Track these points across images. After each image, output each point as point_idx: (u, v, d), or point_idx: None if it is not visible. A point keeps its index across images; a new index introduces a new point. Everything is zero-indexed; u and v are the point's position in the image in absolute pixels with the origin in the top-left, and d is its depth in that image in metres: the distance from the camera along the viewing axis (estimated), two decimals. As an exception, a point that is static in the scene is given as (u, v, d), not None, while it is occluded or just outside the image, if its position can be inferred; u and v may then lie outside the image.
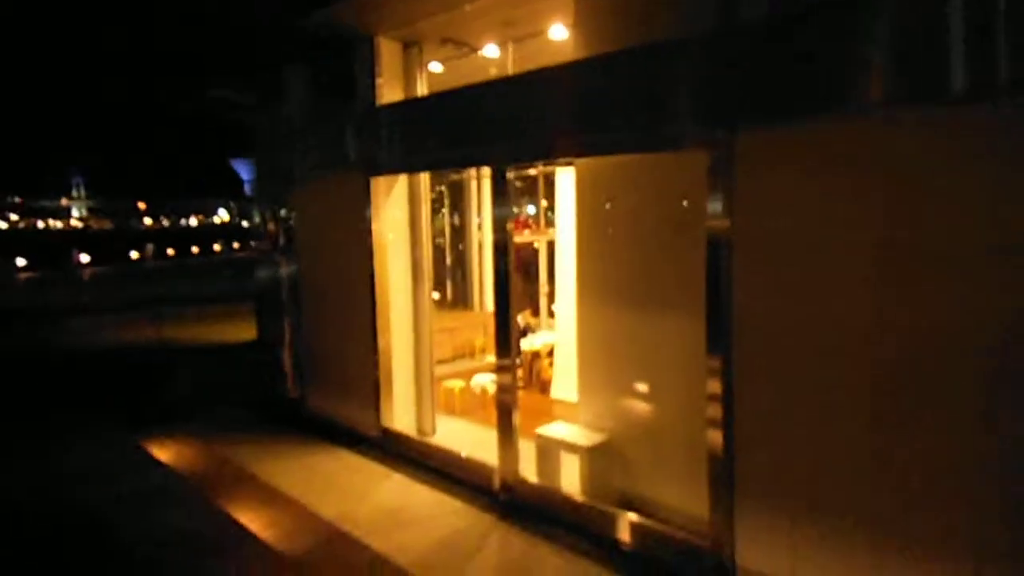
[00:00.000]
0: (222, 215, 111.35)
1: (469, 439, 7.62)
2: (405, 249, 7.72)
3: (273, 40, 7.84)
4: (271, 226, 9.82)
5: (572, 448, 5.78)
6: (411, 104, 7.14)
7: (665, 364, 5.38)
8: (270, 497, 6.24)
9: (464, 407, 8.70)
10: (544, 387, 9.73)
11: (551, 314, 10.89)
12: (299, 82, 8.35)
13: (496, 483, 6.16)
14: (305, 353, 8.99)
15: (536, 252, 12.02)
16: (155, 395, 10.56)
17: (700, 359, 5.02)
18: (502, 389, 6.16)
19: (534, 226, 13.06)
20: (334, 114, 7.80)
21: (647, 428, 5.54)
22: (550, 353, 10.13)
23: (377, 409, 7.61)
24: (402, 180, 7.60)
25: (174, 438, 8.22)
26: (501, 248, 5.99)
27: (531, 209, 13.98)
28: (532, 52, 7.25)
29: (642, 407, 5.58)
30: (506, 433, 6.12)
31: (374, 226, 7.41)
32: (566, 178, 9.34)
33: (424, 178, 7.63)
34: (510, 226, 5.92)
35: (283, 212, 9.41)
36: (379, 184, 7.40)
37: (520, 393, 9.03)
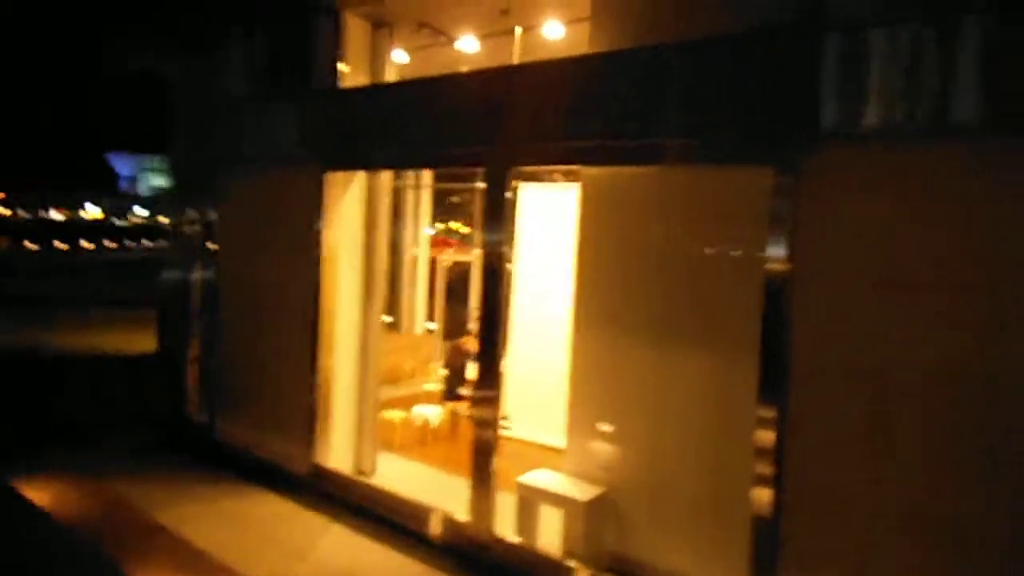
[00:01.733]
0: (92, 211, 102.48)
1: (416, 481, 6.63)
2: (357, 259, 6.68)
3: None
4: (186, 223, 8.45)
5: (564, 502, 4.95)
6: (388, 89, 6.18)
7: (682, 409, 4.69)
8: (187, 557, 4.95)
9: (403, 441, 7.68)
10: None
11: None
12: (241, 55, 7.16)
13: (465, 540, 5.23)
14: (219, 371, 7.66)
15: (467, 273, 11.25)
16: (31, 417, 8.77)
17: (730, 404, 4.41)
18: (482, 426, 5.25)
19: (456, 244, 12.31)
20: (284, 96, 6.69)
21: (654, 481, 4.82)
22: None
23: (310, 442, 6.47)
24: (359, 179, 6.59)
25: (56, 475, 6.63)
26: (493, 269, 5.13)
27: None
28: (516, 50, 6.53)
29: (649, 457, 4.87)
30: (482, 481, 5.22)
31: (325, 230, 6.34)
32: (531, 195, 8.64)
33: (387, 178, 6.66)
34: (507, 248, 5.07)
35: (204, 208, 8.10)
36: (335, 181, 6.36)
37: (460, 425, 8.20)
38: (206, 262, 8.02)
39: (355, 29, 6.39)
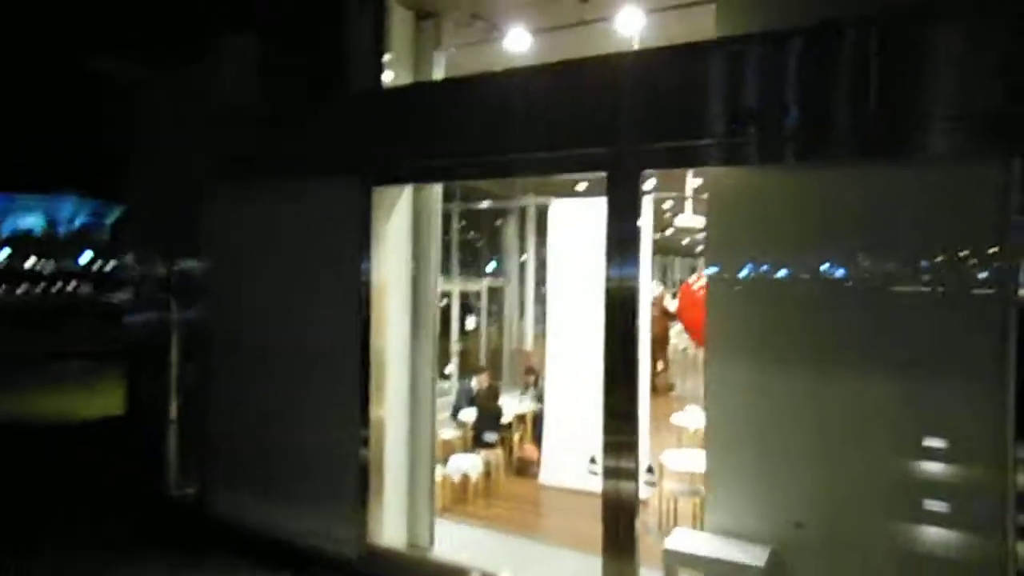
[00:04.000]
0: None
1: (487, 550, 5.59)
2: (405, 289, 5.63)
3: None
4: (155, 265, 7.10)
5: (733, 569, 4.09)
6: (454, 86, 5.21)
7: (869, 447, 3.96)
8: None
9: (443, 502, 6.59)
10: (521, 468, 7.86)
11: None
12: (251, 52, 6.00)
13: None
14: (212, 433, 6.32)
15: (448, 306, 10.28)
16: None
17: (944, 441, 3.73)
18: (618, 481, 4.30)
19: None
20: (312, 99, 5.60)
21: (836, 535, 4.05)
22: (532, 422, 8.33)
23: (361, 516, 5.30)
24: (406, 196, 5.58)
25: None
26: (625, 297, 4.25)
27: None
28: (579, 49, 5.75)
29: (826, 506, 4.09)
30: (621, 553, 4.27)
31: (374, 256, 5.27)
32: (561, 210, 7.84)
33: (436, 192, 5.67)
34: (637, 272, 4.20)
35: (170, 243, 6.80)
36: (383, 199, 5.32)
37: (496, 476, 7.17)
38: (185, 302, 6.71)
39: (399, 19, 5.43)
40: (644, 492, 7.00)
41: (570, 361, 7.50)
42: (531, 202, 11.11)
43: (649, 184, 8.81)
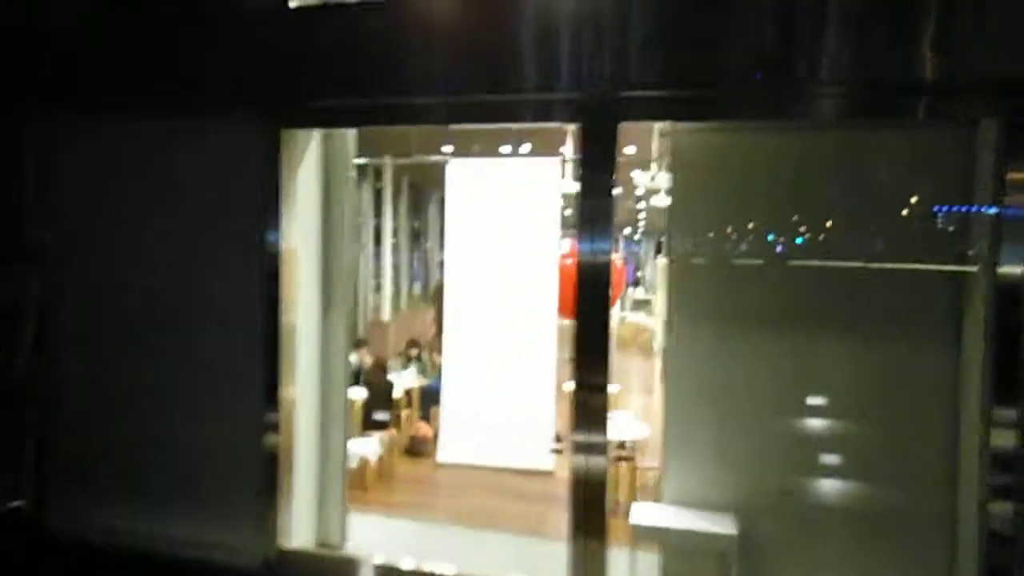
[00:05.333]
0: None
1: (406, 542, 5.10)
2: (314, 256, 4.87)
3: None
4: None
5: (706, 539, 3.99)
6: (383, 8, 4.45)
7: (835, 411, 4.04)
8: None
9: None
10: (414, 447, 7.33)
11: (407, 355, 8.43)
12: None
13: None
14: (58, 431, 5.13)
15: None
16: None
17: (916, 403, 3.89)
18: (588, 458, 4.00)
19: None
20: (197, 18, 4.57)
21: (800, 502, 4.10)
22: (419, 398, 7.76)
23: (269, 516, 4.54)
24: (314, 147, 4.80)
25: None
26: (596, 265, 3.90)
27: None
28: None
29: (789, 473, 4.13)
30: (589, 534, 4.00)
31: (285, 214, 4.46)
32: (461, 172, 7.33)
33: (350, 143, 4.94)
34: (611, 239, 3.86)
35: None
36: (290, 148, 4.51)
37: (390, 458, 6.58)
38: (17, 268, 5.36)
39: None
40: (549, 462, 6.90)
41: (470, 333, 7.10)
42: (388, 161, 10.49)
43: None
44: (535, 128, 9.15)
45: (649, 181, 8.61)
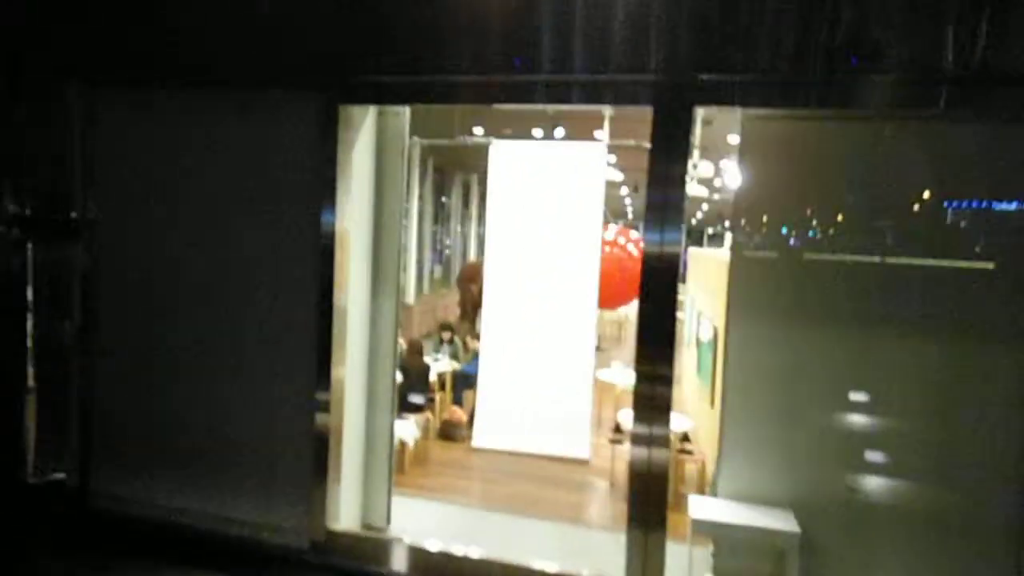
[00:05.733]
0: None
1: (456, 529, 5.06)
2: (366, 236, 4.80)
3: None
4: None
5: (768, 536, 3.91)
6: None
7: (896, 409, 3.94)
8: None
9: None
10: (448, 432, 7.28)
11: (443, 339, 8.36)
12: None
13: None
14: (104, 405, 5.11)
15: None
16: None
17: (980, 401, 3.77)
18: (649, 448, 3.93)
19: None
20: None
21: (862, 501, 4.00)
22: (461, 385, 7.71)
23: (318, 497, 4.51)
24: (369, 123, 4.71)
25: None
26: (665, 254, 3.81)
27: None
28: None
29: (850, 472, 4.03)
30: (649, 525, 3.94)
31: (341, 193, 4.38)
32: (504, 153, 7.22)
33: (404, 121, 4.85)
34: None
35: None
36: (346, 124, 4.41)
37: (425, 442, 6.54)
38: (60, 237, 5.31)
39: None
40: (585, 450, 6.84)
41: (509, 318, 7.02)
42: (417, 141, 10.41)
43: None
44: (569, 112, 9.04)
45: (692, 169, 8.46)
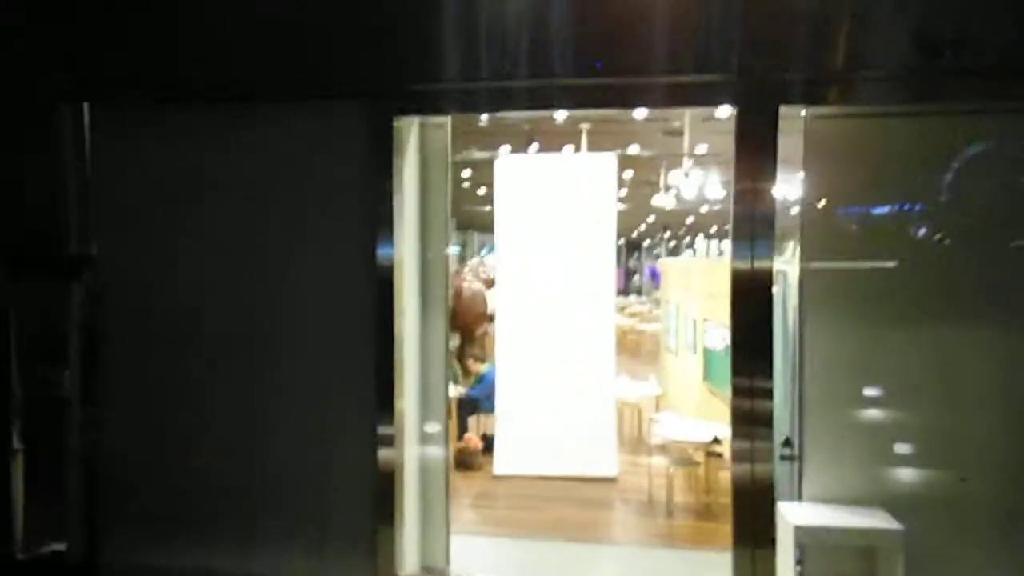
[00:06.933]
0: None
1: (519, 564, 4.78)
2: (414, 259, 4.50)
3: None
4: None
5: (877, 536, 3.85)
6: None
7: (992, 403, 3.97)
8: None
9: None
10: (464, 460, 6.94)
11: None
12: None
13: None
14: (117, 463, 4.55)
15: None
16: None
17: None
18: (751, 482, 3.79)
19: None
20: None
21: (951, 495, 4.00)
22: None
23: (384, 544, 4.14)
24: (413, 138, 4.44)
25: None
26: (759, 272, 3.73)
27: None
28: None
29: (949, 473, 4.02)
30: (759, 552, 3.80)
31: (396, 214, 4.08)
32: (510, 167, 7.03)
33: (447, 133, 4.60)
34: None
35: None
36: (399, 132, 4.13)
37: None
38: (45, 280, 4.74)
39: None
40: (613, 468, 6.66)
41: (524, 338, 6.79)
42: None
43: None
44: (545, 127, 8.95)
45: (683, 178, 8.55)
